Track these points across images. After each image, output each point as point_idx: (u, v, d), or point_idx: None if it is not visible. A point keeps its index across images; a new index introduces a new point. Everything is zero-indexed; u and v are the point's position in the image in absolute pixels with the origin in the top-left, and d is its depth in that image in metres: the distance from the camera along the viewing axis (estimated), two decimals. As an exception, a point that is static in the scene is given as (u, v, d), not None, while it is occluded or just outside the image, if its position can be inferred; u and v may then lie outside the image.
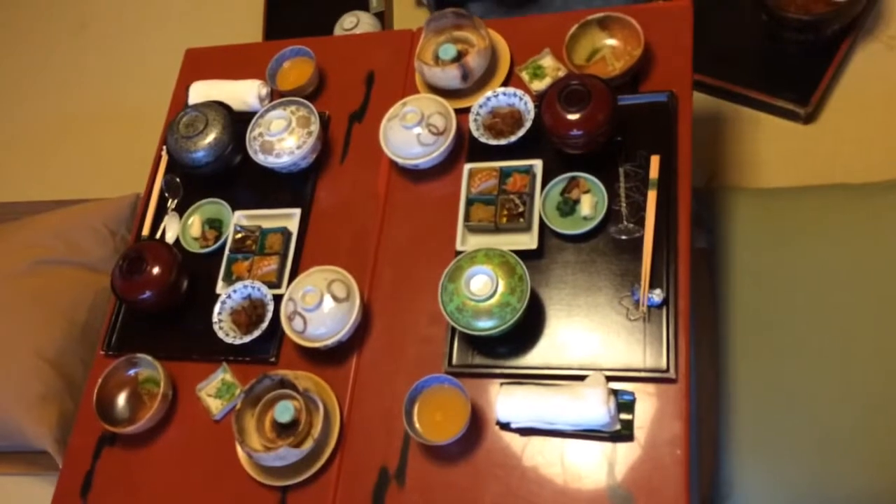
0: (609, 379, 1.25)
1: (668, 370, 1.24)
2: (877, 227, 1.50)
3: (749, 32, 2.13)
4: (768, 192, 1.69)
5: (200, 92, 1.75)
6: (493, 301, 1.27)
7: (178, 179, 1.71)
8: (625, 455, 1.22)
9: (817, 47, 2.03)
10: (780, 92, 2.02)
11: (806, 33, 2.00)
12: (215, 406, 1.45)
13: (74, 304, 1.99)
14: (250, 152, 1.59)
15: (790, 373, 1.43)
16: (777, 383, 1.43)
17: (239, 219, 1.59)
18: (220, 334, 1.45)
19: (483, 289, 1.28)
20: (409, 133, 1.50)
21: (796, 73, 2.05)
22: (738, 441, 1.42)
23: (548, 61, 1.56)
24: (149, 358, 1.49)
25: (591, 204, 1.37)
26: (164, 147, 1.72)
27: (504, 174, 1.43)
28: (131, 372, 1.51)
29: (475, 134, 1.48)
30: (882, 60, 2.05)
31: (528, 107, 1.48)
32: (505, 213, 1.40)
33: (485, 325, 1.27)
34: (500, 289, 1.27)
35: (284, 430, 1.35)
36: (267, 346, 1.46)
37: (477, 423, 1.30)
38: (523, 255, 1.33)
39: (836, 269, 1.48)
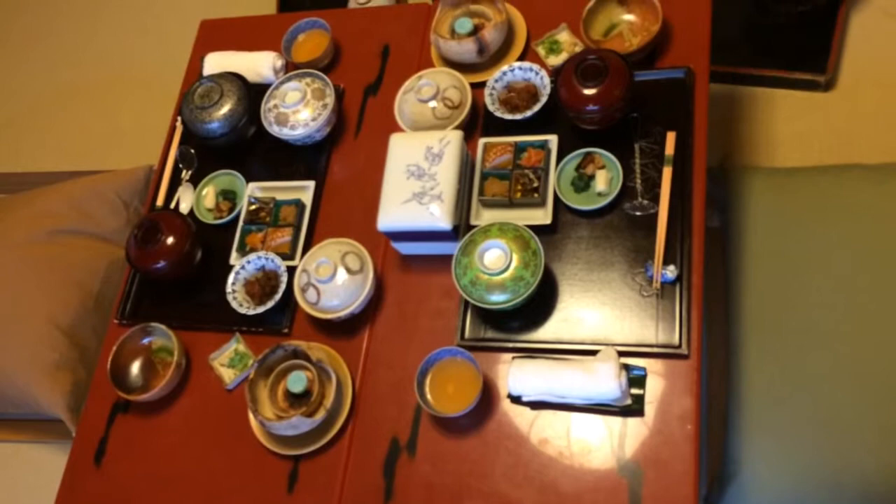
0: (621, 354, 1.25)
1: (680, 346, 1.24)
2: (891, 209, 1.49)
3: (743, 14, 2.14)
4: (782, 171, 1.68)
5: (215, 63, 1.75)
6: (506, 275, 1.27)
7: (192, 150, 1.71)
8: (635, 429, 1.23)
9: (815, 17, 2.06)
10: (796, 65, 2.04)
11: (805, 3, 2.03)
12: (228, 376, 1.46)
13: (88, 274, 2.00)
14: (265, 124, 1.59)
15: (801, 353, 1.43)
16: (788, 363, 1.43)
17: (253, 190, 1.59)
18: (234, 305, 1.46)
19: (497, 262, 1.28)
20: (425, 107, 1.50)
21: (803, 44, 2.07)
22: (747, 419, 1.42)
23: (564, 36, 1.55)
24: (162, 327, 1.50)
25: (605, 180, 1.37)
26: (179, 117, 1.72)
27: (519, 149, 1.42)
28: (145, 340, 1.53)
29: (490, 108, 1.48)
30: (881, 21, 2.10)
31: (544, 81, 1.47)
32: (519, 187, 1.40)
33: (498, 299, 1.28)
34: (514, 263, 1.27)
35: (297, 400, 1.36)
36: (280, 317, 1.47)
37: (488, 395, 1.31)
38: (537, 230, 1.33)
39: (849, 251, 1.47)
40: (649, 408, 1.23)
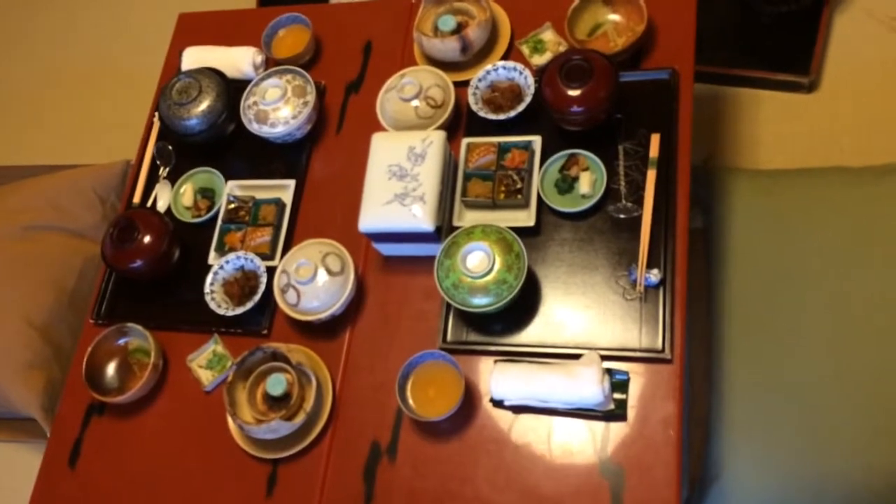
0: (604, 358, 1.25)
1: (663, 350, 1.24)
2: (873, 212, 1.49)
3: (727, 15, 2.14)
4: (765, 173, 1.68)
5: (194, 58, 1.72)
6: (489, 278, 1.26)
7: (170, 147, 1.68)
8: (617, 434, 1.22)
9: (798, 18, 2.06)
10: (780, 66, 2.04)
11: (788, 4, 2.04)
12: (206, 377, 1.44)
13: (63, 271, 1.96)
14: (244, 121, 1.56)
15: (783, 355, 1.44)
16: (770, 366, 1.44)
17: (232, 189, 1.56)
18: (212, 305, 1.43)
19: (479, 265, 1.27)
20: (407, 105, 1.48)
21: (787, 45, 2.08)
22: (728, 422, 1.42)
23: (549, 35, 1.53)
24: (139, 327, 1.47)
25: (589, 182, 1.36)
26: (157, 113, 1.69)
27: (502, 149, 1.41)
28: (121, 341, 1.50)
29: (474, 108, 1.46)
30: (864, 23, 2.11)
31: (528, 81, 1.46)
32: (503, 189, 1.38)
33: (480, 302, 1.26)
34: (497, 266, 1.26)
35: (276, 402, 1.34)
36: (259, 318, 1.45)
37: (470, 399, 1.30)
38: (520, 232, 1.31)
39: (832, 253, 1.47)
40: (631, 412, 1.23)
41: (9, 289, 1.91)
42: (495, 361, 1.29)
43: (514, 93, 1.46)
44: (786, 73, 2.02)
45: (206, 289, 1.45)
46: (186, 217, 1.58)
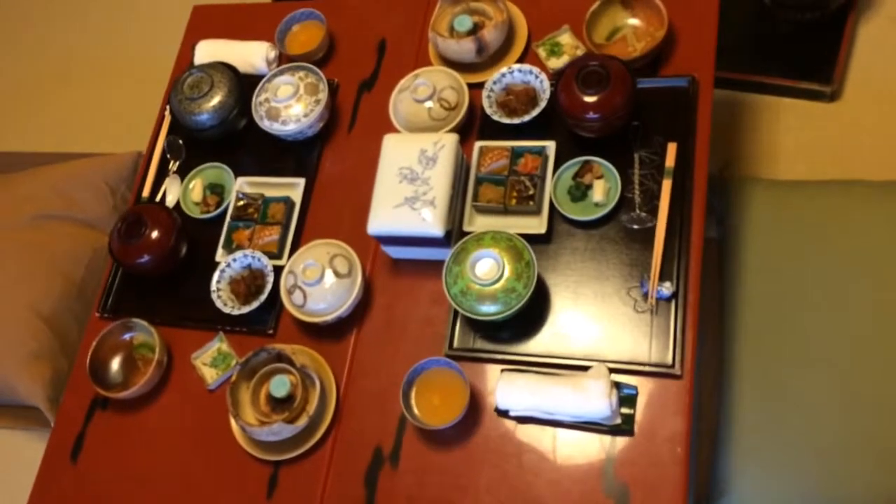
0: (612, 371, 1.23)
1: (673, 366, 1.21)
2: (894, 228, 1.46)
3: (749, 21, 2.10)
4: (784, 184, 1.65)
5: (206, 52, 1.70)
6: (498, 286, 1.24)
7: (180, 141, 1.67)
8: (623, 449, 1.20)
9: (822, 25, 2.02)
10: (802, 74, 2.00)
11: (812, 11, 1.99)
12: (210, 375, 1.43)
13: (72, 261, 1.96)
14: (256, 118, 1.54)
15: (794, 372, 1.41)
16: (780, 382, 1.41)
17: (241, 185, 1.55)
18: (219, 304, 1.42)
19: (489, 273, 1.25)
20: (420, 107, 1.46)
21: (810, 53, 2.04)
22: (736, 439, 1.40)
23: (566, 38, 1.51)
24: (144, 323, 1.46)
25: (603, 190, 1.34)
26: (168, 107, 1.68)
27: (516, 154, 1.38)
28: (126, 336, 1.49)
29: (488, 111, 1.44)
30: (889, 32, 2.07)
31: (543, 85, 1.43)
32: (514, 194, 1.36)
33: (488, 310, 1.24)
34: (507, 274, 1.24)
35: (279, 404, 1.33)
36: (265, 318, 1.43)
37: (475, 408, 1.28)
38: (531, 239, 1.29)
39: (849, 270, 1.44)
40: (639, 428, 1.21)
41: (16, 278, 1.91)
42: (502, 371, 1.28)
43: (529, 96, 1.44)
44: (808, 82, 1.98)
45: (213, 286, 1.43)
46: (195, 213, 1.57)
